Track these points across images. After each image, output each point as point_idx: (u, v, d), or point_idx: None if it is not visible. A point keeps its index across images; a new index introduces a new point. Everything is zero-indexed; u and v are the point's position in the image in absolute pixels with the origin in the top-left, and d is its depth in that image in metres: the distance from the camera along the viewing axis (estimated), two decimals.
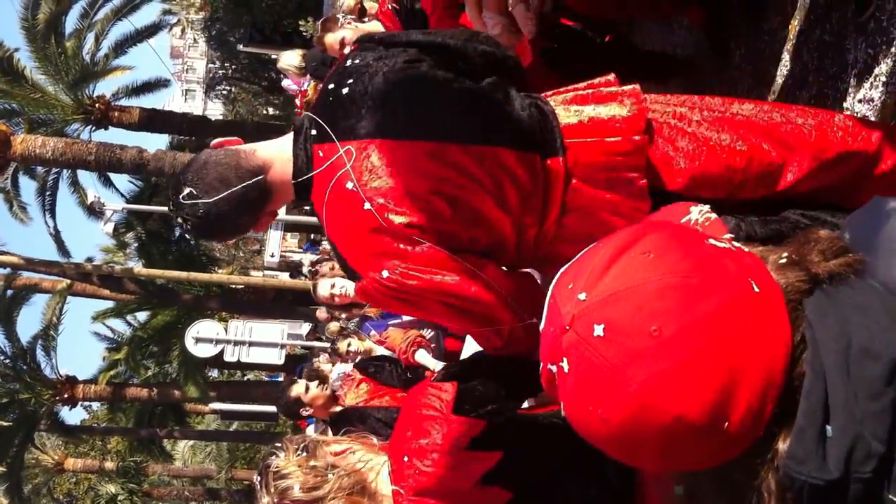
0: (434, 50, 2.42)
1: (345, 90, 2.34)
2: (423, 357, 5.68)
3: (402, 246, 2.19)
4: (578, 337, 1.12)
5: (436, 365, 5.44)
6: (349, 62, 2.45)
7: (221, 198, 2.28)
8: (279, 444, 2.43)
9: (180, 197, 2.31)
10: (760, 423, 1.09)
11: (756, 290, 1.13)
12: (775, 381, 1.10)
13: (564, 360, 1.14)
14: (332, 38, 6.10)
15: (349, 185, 2.21)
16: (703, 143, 2.38)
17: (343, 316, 7.71)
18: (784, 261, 1.20)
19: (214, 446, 31.30)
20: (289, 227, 24.50)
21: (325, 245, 17.11)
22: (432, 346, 5.94)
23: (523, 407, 2.77)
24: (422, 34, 2.50)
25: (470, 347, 5.42)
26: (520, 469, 2.32)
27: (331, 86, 2.40)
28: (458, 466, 2.28)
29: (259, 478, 2.41)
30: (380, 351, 6.58)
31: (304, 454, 2.38)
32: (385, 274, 2.21)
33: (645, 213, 2.28)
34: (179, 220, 2.35)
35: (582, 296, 1.15)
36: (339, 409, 5.72)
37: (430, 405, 2.41)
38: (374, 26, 6.06)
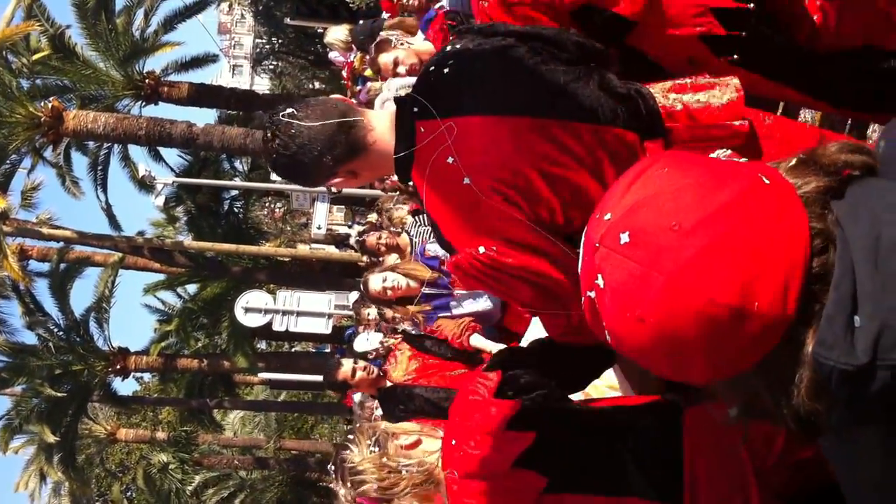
0: (530, 38, 2.45)
1: (446, 70, 2.38)
2: (479, 341, 5.67)
3: (500, 222, 2.22)
4: (608, 249, 1.20)
5: (493, 347, 5.44)
6: (449, 47, 2.48)
7: (317, 126, 2.32)
8: (351, 437, 2.56)
9: (280, 114, 2.35)
10: (789, 303, 1.13)
11: (766, 182, 1.19)
12: (798, 260, 1.14)
13: (599, 276, 1.21)
14: (385, 59, 6.15)
15: (450, 160, 2.23)
16: (791, 132, 2.45)
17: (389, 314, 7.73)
18: (794, 162, 1.24)
19: (263, 417, 31.69)
20: (335, 200, 24.63)
21: (371, 217, 17.23)
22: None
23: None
24: (518, 26, 2.52)
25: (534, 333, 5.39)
26: (554, 453, 2.36)
27: (431, 68, 2.44)
28: (498, 448, 2.34)
29: (334, 469, 2.52)
30: None
31: (377, 449, 2.51)
32: (482, 250, 2.23)
33: None
34: (269, 135, 2.37)
35: (607, 216, 1.22)
36: (387, 384, 5.77)
37: (475, 391, 2.48)
38: (427, 46, 6.08)
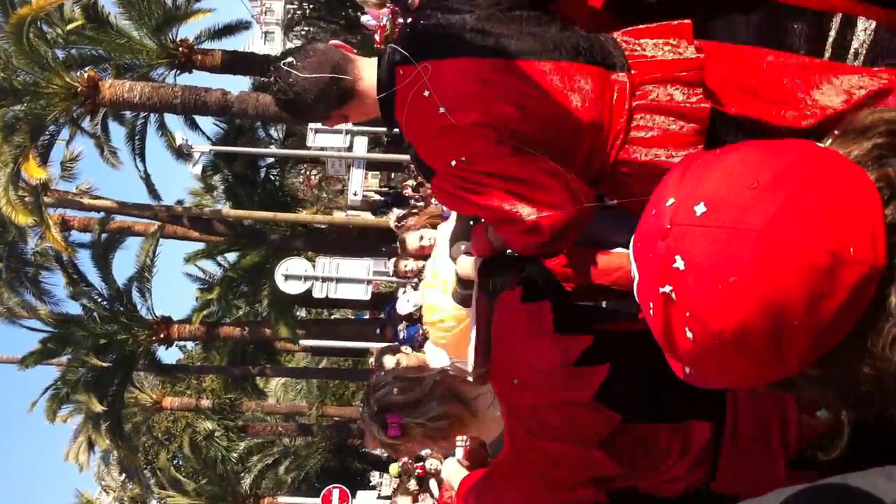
0: None
1: (423, 22, 2.69)
2: None
3: (469, 139, 2.48)
4: (683, 226, 1.14)
5: None
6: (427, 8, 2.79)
7: (311, 78, 2.63)
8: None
9: (281, 62, 2.67)
10: (879, 250, 1.09)
11: (821, 145, 1.18)
12: (876, 206, 1.11)
13: (677, 257, 1.14)
14: None
15: (426, 94, 2.51)
16: (756, 70, 2.55)
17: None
18: (830, 141, 1.21)
19: (305, 384, 32.01)
20: (371, 167, 24.68)
21: (409, 183, 17.26)
22: None
23: None
24: None
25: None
26: (622, 386, 2.37)
27: (409, 20, 2.77)
28: (570, 383, 2.36)
29: (364, 397, 2.55)
30: None
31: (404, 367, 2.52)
32: (453, 163, 2.50)
33: (705, 125, 2.47)
34: (272, 79, 2.70)
35: (669, 201, 1.17)
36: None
37: (531, 326, 2.47)
38: None
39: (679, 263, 1.14)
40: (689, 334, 1.15)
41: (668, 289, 1.15)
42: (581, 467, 2.37)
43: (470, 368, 3.28)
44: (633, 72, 2.53)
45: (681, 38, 2.56)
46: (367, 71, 2.68)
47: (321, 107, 2.70)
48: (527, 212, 2.48)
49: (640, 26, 2.64)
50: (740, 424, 2.30)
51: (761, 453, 2.28)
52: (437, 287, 4.18)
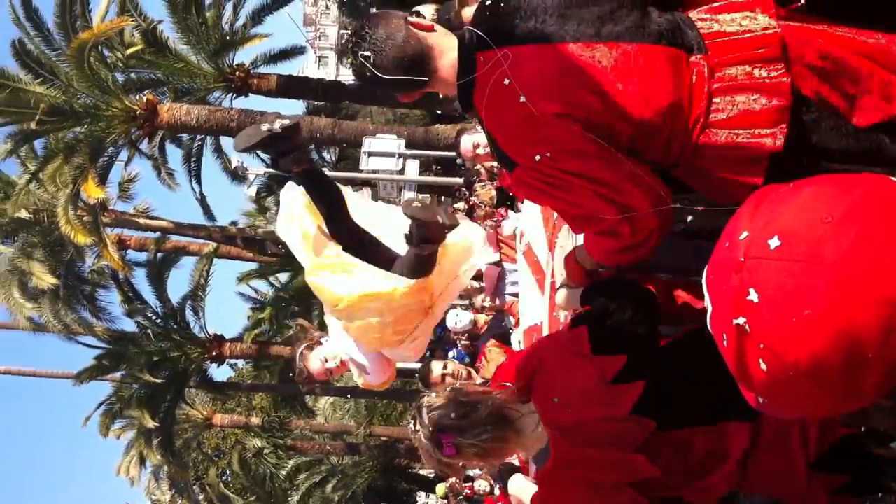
0: None
1: (501, 4, 2.60)
2: None
3: (553, 132, 2.44)
4: (757, 259, 1.16)
5: None
6: None
7: (391, 69, 2.63)
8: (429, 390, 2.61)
9: (359, 53, 2.65)
10: None
11: (893, 179, 1.18)
12: None
13: (751, 291, 1.16)
14: (468, 12, 6.13)
15: (506, 82, 2.46)
16: (833, 44, 2.43)
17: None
18: None
19: (353, 403, 32.02)
20: (421, 189, 24.76)
21: (459, 205, 17.23)
22: None
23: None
24: None
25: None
26: (658, 396, 2.43)
27: (488, 2, 2.66)
28: (607, 400, 2.44)
29: (414, 415, 2.60)
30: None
31: (454, 389, 2.63)
32: (538, 158, 2.47)
33: (788, 101, 2.34)
34: (348, 62, 2.73)
35: (743, 235, 1.19)
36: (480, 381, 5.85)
37: (570, 349, 2.57)
38: None
39: (753, 296, 1.16)
40: (763, 366, 1.17)
41: (741, 321, 1.17)
42: (621, 471, 2.45)
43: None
44: (709, 53, 2.45)
45: (758, 7, 2.46)
46: (446, 59, 2.64)
47: (399, 91, 2.77)
48: (609, 212, 2.49)
49: (717, 3, 2.54)
50: (763, 427, 2.34)
51: (782, 456, 2.32)
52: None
